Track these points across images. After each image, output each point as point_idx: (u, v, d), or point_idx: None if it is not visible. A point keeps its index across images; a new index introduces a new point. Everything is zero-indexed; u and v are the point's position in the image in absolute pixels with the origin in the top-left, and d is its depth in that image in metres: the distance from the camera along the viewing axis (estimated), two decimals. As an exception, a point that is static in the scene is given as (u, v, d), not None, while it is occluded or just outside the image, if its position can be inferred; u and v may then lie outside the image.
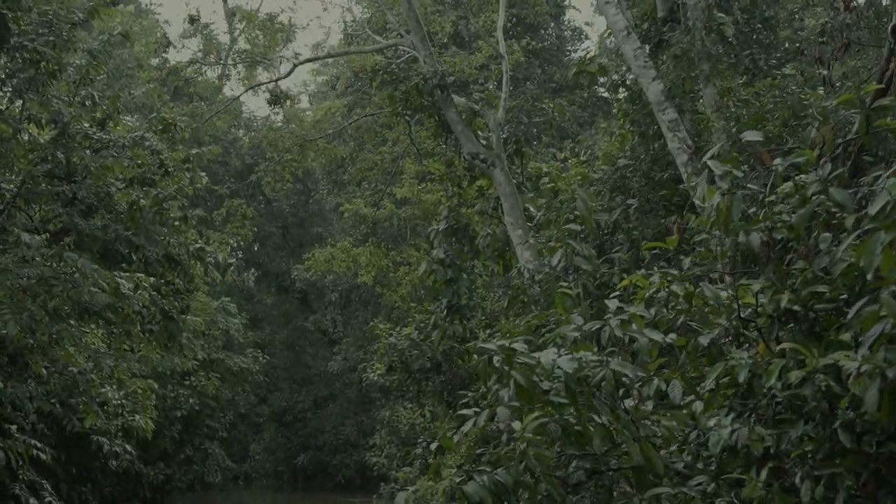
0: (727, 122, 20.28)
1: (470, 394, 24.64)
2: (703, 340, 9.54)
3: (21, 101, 22.39)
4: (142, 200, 22.14)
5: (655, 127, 22.96)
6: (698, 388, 9.77)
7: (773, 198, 9.38)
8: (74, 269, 19.31)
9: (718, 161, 9.42)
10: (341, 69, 55.19)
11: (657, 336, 9.26)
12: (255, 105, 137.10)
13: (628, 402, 9.60)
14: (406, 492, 9.87)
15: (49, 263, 19.26)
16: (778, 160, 9.57)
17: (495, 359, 9.46)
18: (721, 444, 8.80)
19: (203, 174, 26.23)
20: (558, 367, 8.94)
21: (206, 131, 67.68)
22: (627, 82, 24.78)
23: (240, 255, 76.18)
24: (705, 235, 9.89)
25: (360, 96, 42.12)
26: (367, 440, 60.13)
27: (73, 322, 22.15)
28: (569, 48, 62.02)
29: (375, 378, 29.39)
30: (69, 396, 26.41)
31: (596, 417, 9.32)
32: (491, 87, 33.72)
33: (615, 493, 9.74)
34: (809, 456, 8.59)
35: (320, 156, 40.13)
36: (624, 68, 24.61)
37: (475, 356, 25.17)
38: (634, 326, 9.31)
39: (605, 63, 25.29)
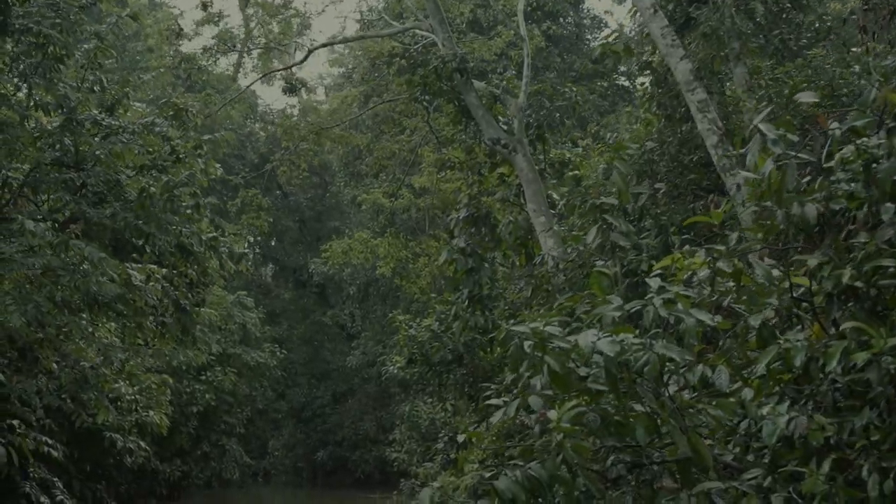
0: (759, 102, 19.59)
1: (493, 386, 23.95)
2: (754, 321, 8.75)
3: (27, 88, 21.68)
4: (152, 188, 21.31)
5: (683, 109, 22.41)
6: (746, 374, 8.99)
7: (831, 164, 8.58)
8: (82, 258, 18.50)
9: (771, 125, 8.60)
10: (358, 59, 54.45)
11: (705, 317, 8.46)
12: (271, 98, 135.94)
13: (671, 390, 8.82)
14: (430, 488, 9.12)
15: (55, 253, 18.47)
16: (835, 124, 8.76)
17: (526, 344, 8.69)
18: (777, 434, 8.01)
19: (217, 165, 25.50)
20: (598, 352, 8.16)
21: (220, 122, 67.33)
22: (653, 64, 24.07)
23: (257, 251, 75.96)
24: (754, 208, 9.07)
25: (377, 83, 41.23)
26: (386, 435, 59.65)
27: (83, 315, 21.43)
28: (588, 37, 61.27)
29: (395, 371, 28.50)
30: (78, 391, 25.62)
31: (638, 406, 8.54)
32: (511, 74, 32.84)
33: (658, 489, 8.95)
34: (875, 446, 7.80)
35: (337, 145, 39.23)
36: (648, 50, 23.96)
37: (498, 348, 24.44)
38: (679, 306, 8.51)
39: (629, 45, 24.55)
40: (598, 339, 8.20)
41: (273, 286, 74.05)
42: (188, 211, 22.26)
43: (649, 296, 8.70)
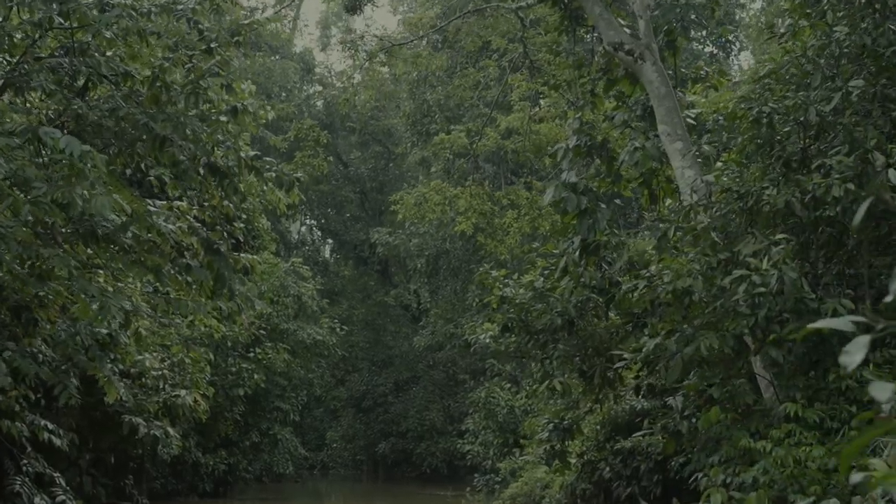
0: None
1: (627, 354, 18.33)
2: None
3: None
4: (168, 77, 15.64)
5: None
6: None
7: None
8: (59, 153, 12.76)
9: None
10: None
11: None
12: (331, 60, 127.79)
13: None
14: (717, 489, 3.47)
15: (27, 154, 12.91)
16: None
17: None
18: None
19: (269, 107, 20.07)
20: None
21: (275, 81, 62.46)
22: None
23: (314, 226, 71.19)
24: None
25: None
26: (455, 426, 55.57)
27: (79, 248, 15.99)
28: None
29: (487, 341, 22.83)
30: (67, 360, 20.09)
31: None
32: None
33: None
34: None
35: (408, 65, 33.19)
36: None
37: (614, 310, 18.79)
38: None
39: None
40: None
41: (332, 263, 69.45)
42: (221, 117, 16.57)
43: None
